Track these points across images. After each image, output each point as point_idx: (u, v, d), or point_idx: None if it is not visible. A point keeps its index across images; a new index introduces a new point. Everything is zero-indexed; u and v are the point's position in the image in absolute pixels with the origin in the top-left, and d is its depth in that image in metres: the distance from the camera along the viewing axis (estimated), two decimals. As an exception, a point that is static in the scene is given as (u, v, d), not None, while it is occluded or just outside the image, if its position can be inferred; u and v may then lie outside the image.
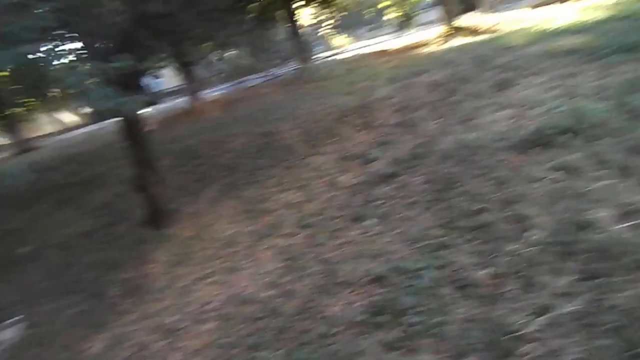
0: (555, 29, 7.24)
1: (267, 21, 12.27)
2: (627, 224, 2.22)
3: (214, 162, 6.94)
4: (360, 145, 5.66)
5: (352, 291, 2.96)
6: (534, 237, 2.43)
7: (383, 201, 4.13)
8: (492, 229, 2.76)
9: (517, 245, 2.44)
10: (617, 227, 2.24)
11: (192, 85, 13.37)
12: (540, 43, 6.66)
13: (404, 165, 4.57)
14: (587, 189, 2.68)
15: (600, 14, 6.99)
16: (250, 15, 11.31)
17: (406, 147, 4.97)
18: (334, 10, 16.48)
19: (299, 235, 4.22)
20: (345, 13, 17.88)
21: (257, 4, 11.59)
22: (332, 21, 19.69)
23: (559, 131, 3.52)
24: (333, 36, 23.28)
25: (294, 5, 12.64)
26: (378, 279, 2.91)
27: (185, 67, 12.69)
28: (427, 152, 4.56)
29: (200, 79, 14.80)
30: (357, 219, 4.02)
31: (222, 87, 16.36)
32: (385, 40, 18.04)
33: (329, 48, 21.01)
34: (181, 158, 7.46)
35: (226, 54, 14.93)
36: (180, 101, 14.84)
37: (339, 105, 7.08)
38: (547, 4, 12.51)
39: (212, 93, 15.01)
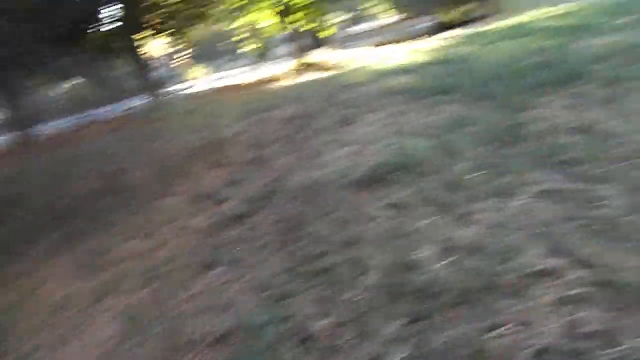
0: (390, 68, 7.98)
1: (110, 52, 11.47)
2: (446, 261, 2.40)
3: (47, 209, 6.08)
4: (212, 184, 5.46)
5: (197, 354, 2.72)
6: (369, 281, 2.49)
7: (234, 245, 3.96)
8: (332, 273, 2.78)
9: (354, 291, 2.47)
10: (438, 264, 2.40)
11: (22, 119, 11.81)
12: (378, 81, 7.25)
13: (255, 204, 4.48)
14: (414, 227, 2.86)
15: (425, 57, 7.89)
16: (91, 45, 10.46)
17: (257, 185, 4.90)
18: (187, 42, 16.11)
19: (144, 290, 3.81)
20: (201, 44, 17.58)
21: (98, 33, 10.78)
22: (187, 52, 19.23)
23: (393, 168, 3.77)
24: (189, 68, 22.75)
25: (139, 36, 12.04)
26: (223, 337, 2.72)
27: (12, 97, 11.18)
28: (277, 191, 4.54)
29: (33, 111, 13.16)
30: (208, 266, 3.77)
31: (61, 120, 14.76)
32: (242, 72, 18.16)
33: (184, 80, 20.44)
34: (3, 207, 6.42)
35: (66, 84, 13.55)
36: (5, 137, 12.97)
37: (191, 142, 6.81)
38: (385, 44, 13.84)
39: (48, 128, 13.43)
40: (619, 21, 6.06)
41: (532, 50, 5.94)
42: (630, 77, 3.88)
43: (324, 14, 13.93)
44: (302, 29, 14.05)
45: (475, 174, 3.15)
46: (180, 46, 16.33)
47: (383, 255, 2.70)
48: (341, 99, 6.83)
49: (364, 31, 32.80)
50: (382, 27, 33.32)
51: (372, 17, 39.61)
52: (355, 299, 2.42)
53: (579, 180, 2.69)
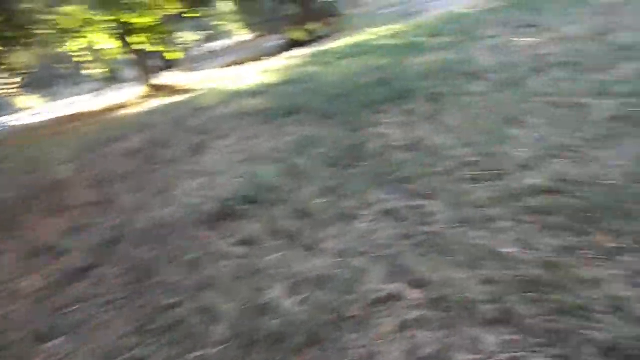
0: (241, 89, 7.88)
1: None
2: (296, 299, 2.32)
3: None
4: (49, 234, 4.72)
5: None
6: (220, 333, 2.31)
7: (76, 306, 3.43)
8: (183, 327, 2.54)
9: (204, 348, 2.27)
10: (288, 303, 2.32)
11: None
12: (229, 104, 7.09)
13: (100, 254, 3.97)
14: (265, 263, 2.76)
15: (275, 77, 7.96)
16: None
17: (101, 231, 4.37)
18: (13, 67, 14.19)
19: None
20: (35, 69, 15.62)
21: None
22: (15, 79, 16.93)
23: (243, 200, 3.63)
24: (19, 97, 20.09)
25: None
26: None
27: None
28: (124, 235, 4.08)
29: None
30: (44, 337, 3.21)
31: None
32: (85, 100, 16.58)
33: (13, 111, 17.98)
34: None
35: None
36: None
37: (22, 185, 5.91)
38: (238, 63, 13.78)
39: None
40: (440, 41, 6.78)
41: (370, 68, 6.33)
42: (449, 93, 4.31)
43: (170, 34, 13.34)
44: (148, 51, 13.31)
45: (322, 200, 3.17)
46: (4, 73, 14.28)
47: (234, 300, 2.54)
48: (191, 125, 6.53)
49: (218, 50, 32.47)
50: (235, 45, 33.35)
51: (226, 35, 39.46)
52: (205, 356, 2.22)
53: (412, 198, 2.84)
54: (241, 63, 13.64)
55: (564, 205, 2.31)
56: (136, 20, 11.62)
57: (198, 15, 13.54)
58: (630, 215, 2.12)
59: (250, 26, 36.80)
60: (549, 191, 2.47)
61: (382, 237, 2.57)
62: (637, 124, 2.89)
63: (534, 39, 5.39)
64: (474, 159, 3.01)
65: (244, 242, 3.15)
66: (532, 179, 2.60)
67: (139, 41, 11.95)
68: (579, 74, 3.94)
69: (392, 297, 2.10)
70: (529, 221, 2.31)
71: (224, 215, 3.60)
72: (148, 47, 12.35)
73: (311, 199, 3.24)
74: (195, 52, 32.48)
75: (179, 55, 14.17)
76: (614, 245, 2.01)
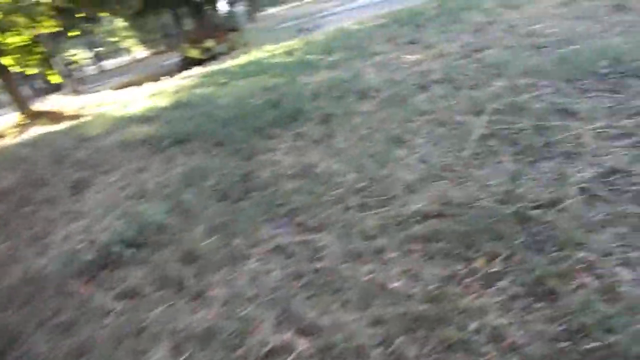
0: (131, 115, 7.36)
1: None
2: (178, 361, 2.10)
3: None
4: None
5: None
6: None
7: None
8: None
9: None
10: (170, 368, 2.08)
11: None
12: (117, 132, 6.58)
13: (-45, 321, 3.39)
14: (148, 319, 2.49)
15: (166, 100, 7.55)
16: None
17: (-41, 291, 3.76)
18: None
19: None
20: None
21: None
22: None
23: (127, 244, 3.30)
24: None
25: None
26: None
27: None
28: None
29: None
30: None
31: None
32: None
33: None
34: None
35: None
36: None
37: None
38: (132, 83, 13.01)
39: None
40: (331, 58, 6.86)
41: (263, 88, 6.20)
42: (339, 114, 4.31)
43: (49, 54, 12.16)
44: (26, 73, 12.08)
45: (210, 239, 2.96)
46: None
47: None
48: (73, 159, 5.94)
49: (112, 69, 30.64)
50: (132, 63, 31.71)
51: (121, 53, 37.38)
52: None
53: (302, 231, 2.73)
54: (136, 83, 12.90)
55: (447, 230, 2.34)
56: (5, 40, 10.43)
57: (79, 33, 12.51)
58: (504, 237, 2.18)
59: (146, 43, 35.22)
60: (432, 216, 2.50)
61: (272, 279, 2.43)
62: (508, 141, 3.04)
63: (417, 56, 5.62)
64: (362, 184, 2.99)
65: (127, 294, 2.84)
66: (417, 204, 2.62)
67: (8, 63, 10.72)
68: (456, 91, 4.13)
69: (282, 350, 1.96)
70: (415, 250, 2.30)
71: (105, 263, 3.24)
72: (19, 69, 11.12)
73: (199, 239, 3.01)
74: (87, 71, 30.34)
75: (58, 78, 12.93)
76: (493, 269, 2.04)
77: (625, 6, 5.31)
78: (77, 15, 10.97)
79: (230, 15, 20.17)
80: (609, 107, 3.14)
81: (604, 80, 3.52)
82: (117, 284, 2.98)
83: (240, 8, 21.14)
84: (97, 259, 3.34)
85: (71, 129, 8.09)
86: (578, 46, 4.36)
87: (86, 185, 4.91)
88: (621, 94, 3.27)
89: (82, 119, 8.92)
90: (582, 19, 5.33)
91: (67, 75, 16.16)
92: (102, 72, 30.80)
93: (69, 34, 13.00)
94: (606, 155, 2.62)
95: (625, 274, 1.86)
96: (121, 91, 11.99)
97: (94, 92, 13.95)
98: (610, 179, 2.41)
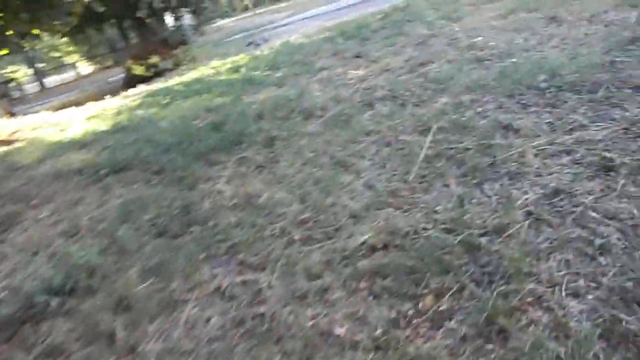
0: (69, 140, 6.92)
1: None
2: None
3: None
4: None
5: None
6: None
7: None
8: None
9: None
10: None
11: None
12: (52, 159, 6.15)
13: None
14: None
15: (106, 123, 7.16)
16: None
17: None
18: None
19: None
20: None
21: None
22: None
23: (53, 293, 2.99)
24: None
25: None
26: None
27: None
28: None
29: None
30: None
31: None
32: None
33: None
34: None
35: None
36: None
37: None
38: (71, 105, 12.40)
39: None
40: (277, 75, 6.71)
41: (208, 108, 5.98)
42: (283, 136, 4.16)
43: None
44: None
45: (145, 284, 2.72)
46: None
47: None
48: (3, 190, 5.49)
49: (54, 87, 29.20)
50: (76, 79, 30.37)
51: (65, 68, 35.72)
52: None
53: (244, 270, 2.55)
54: (79, 103, 12.30)
55: (393, 264, 2.22)
56: None
57: (7, 52, 11.77)
58: (452, 269, 2.09)
59: (92, 58, 33.84)
60: (378, 248, 2.38)
61: (211, 327, 2.23)
62: (454, 161, 2.98)
63: (362, 71, 5.57)
64: (306, 215, 2.84)
65: (50, 353, 2.54)
66: (363, 235, 2.49)
67: None
68: (402, 108, 4.08)
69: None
70: (361, 288, 2.17)
71: (27, 316, 2.91)
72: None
73: (134, 283, 2.76)
74: (27, 90, 28.73)
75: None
76: (442, 307, 1.93)
77: (559, 18, 5.47)
78: (7, 33, 10.29)
79: (177, 28, 19.63)
80: (549, 122, 3.15)
81: (543, 94, 3.54)
82: (38, 342, 2.66)
83: (187, 21, 20.62)
84: (19, 312, 3.01)
85: (1, 156, 7.52)
86: (517, 60, 4.41)
87: (14, 222, 4.51)
88: (559, 108, 3.29)
89: (14, 145, 8.33)
90: (520, 31, 5.44)
91: (2, 95, 15.20)
92: (44, 89, 29.28)
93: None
94: (549, 174, 2.59)
95: (573, 304, 1.80)
96: (61, 112, 11.37)
97: (32, 113, 13.16)
98: (554, 200, 2.38)
